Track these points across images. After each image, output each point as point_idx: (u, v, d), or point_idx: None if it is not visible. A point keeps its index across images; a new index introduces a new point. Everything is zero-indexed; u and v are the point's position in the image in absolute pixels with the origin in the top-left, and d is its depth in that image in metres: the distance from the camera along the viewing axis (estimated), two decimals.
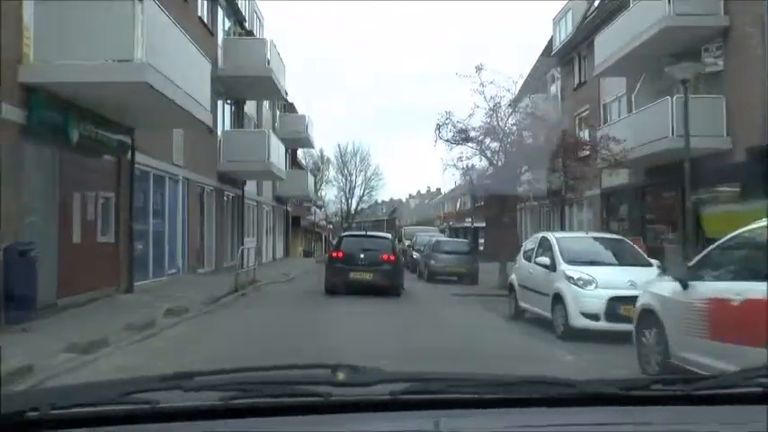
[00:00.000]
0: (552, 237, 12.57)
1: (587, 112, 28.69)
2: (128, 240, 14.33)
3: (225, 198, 24.63)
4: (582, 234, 13.35)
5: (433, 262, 24.31)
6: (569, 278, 10.90)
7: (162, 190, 17.52)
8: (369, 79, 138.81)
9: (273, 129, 36.27)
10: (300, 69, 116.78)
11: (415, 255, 28.97)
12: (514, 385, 1.61)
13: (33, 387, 6.09)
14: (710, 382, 1.67)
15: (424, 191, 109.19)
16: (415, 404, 1.52)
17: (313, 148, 40.26)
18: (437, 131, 21.88)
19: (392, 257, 19.13)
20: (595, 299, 10.42)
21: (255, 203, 30.89)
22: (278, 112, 37.57)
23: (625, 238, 13.44)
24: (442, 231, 40.74)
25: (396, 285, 18.33)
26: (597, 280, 10.64)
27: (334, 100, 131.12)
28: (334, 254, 19.34)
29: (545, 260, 11.82)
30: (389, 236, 23.40)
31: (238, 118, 26.48)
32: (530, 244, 14.03)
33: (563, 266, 11.29)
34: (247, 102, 27.82)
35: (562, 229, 34.09)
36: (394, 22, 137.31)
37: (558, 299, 11.04)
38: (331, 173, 79.82)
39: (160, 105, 12.11)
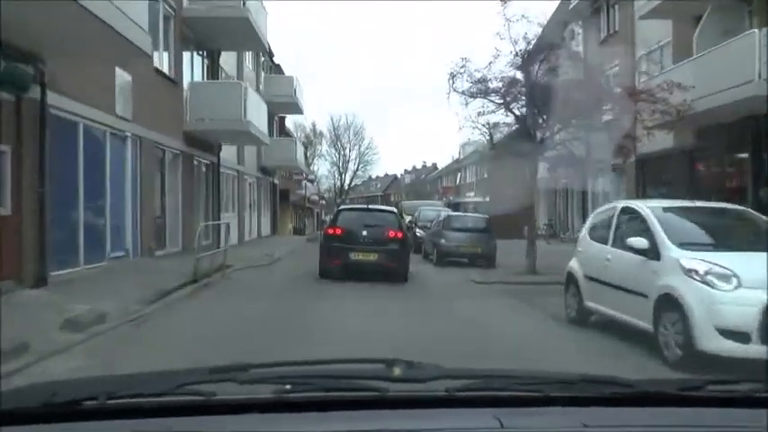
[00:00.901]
0: (645, 207, 8.57)
1: (617, 67, 24.61)
2: (37, 213, 10.32)
3: (195, 165, 20.54)
4: (687, 203, 9.39)
5: (443, 241, 20.34)
6: (690, 271, 6.95)
7: (99, 149, 13.43)
8: (364, 52, 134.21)
9: (258, 91, 32.23)
10: (294, 39, 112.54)
11: (419, 232, 25.04)
12: (575, 384, 1.56)
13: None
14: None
15: (419, 166, 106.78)
16: (473, 401, 1.47)
17: (302, 113, 36.06)
18: (450, 81, 17.86)
19: (400, 235, 16.29)
20: (743, 306, 6.47)
21: (235, 173, 26.82)
22: (263, 73, 33.37)
23: (751, 210, 9.39)
24: (448, 206, 36.46)
25: (404, 268, 15.70)
26: (740, 275, 6.70)
27: (327, 72, 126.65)
28: (331, 230, 16.47)
29: (640, 242, 7.82)
30: (395, 210, 19.44)
31: (213, 73, 22.33)
32: (600, 217, 10.12)
33: (674, 252, 7.31)
34: (225, 55, 23.67)
35: (585, 204, 30.40)
36: None
37: (669, 304, 7.08)
38: (323, 147, 78.00)
39: (69, 16, 8.21)
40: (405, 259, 15.87)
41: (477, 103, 18.19)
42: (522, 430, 1.38)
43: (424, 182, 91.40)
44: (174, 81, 18.06)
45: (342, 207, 19.95)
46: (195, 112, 19.09)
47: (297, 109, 34.62)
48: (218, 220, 22.24)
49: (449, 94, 17.86)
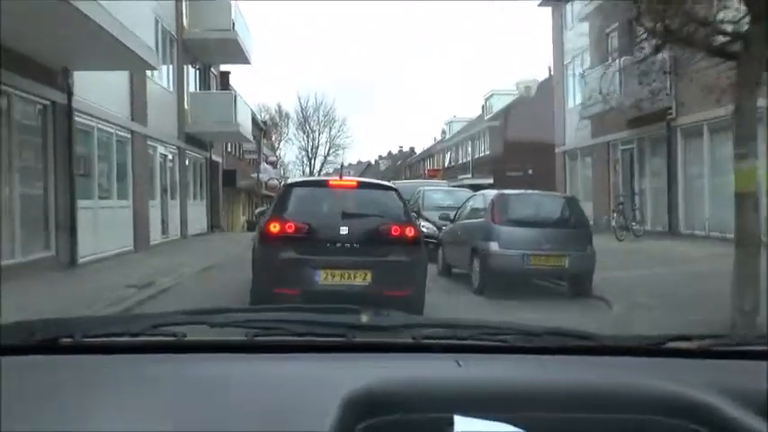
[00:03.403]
0: None
1: None
2: None
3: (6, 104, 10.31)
4: None
5: (495, 245, 10.29)
6: None
7: None
8: (334, 32, 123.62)
9: (180, 28, 21.98)
10: (259, 11, 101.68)
11: (425, 229, 14.76)
12: (539, 336, 1.58)
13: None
14: (726, 340, 1.69)
15: (395, 151, 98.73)
16: (436, 348, 1.49)
17: (248, 62, 25.68)
18: None
19: (411, 232, 8.21)
20: None
21: (128, 135, 16.45)
22: None
23: None
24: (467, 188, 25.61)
25: (419, 299, 7.97)
26: None
27: (294, 52, 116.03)
28: (275, 226, 8.04)
29: None
30: (393, 186, 9.59)
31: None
32: None
33: None
34: None
35: (672, 184, 20.25)
36: None
37: None
38: (291, 130, 71.14)
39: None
40: (420, 282, 8.16)
41: None
42: (480, 372, 1.38)
43: (402, 167, 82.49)
44: None
45: (293, 182, 9.79)
46: None
47: (240, 54, 24.22)
48: (72, 209, 12.06)
49: None
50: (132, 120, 16.73)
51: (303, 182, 9.95)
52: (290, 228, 7.64)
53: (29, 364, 1.35)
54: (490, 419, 1.17)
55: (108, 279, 10.73)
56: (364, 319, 1.59)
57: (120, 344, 1.44)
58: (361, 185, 8.78)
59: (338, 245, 7.53)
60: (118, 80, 15.58)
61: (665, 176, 19.47)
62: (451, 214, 12.88)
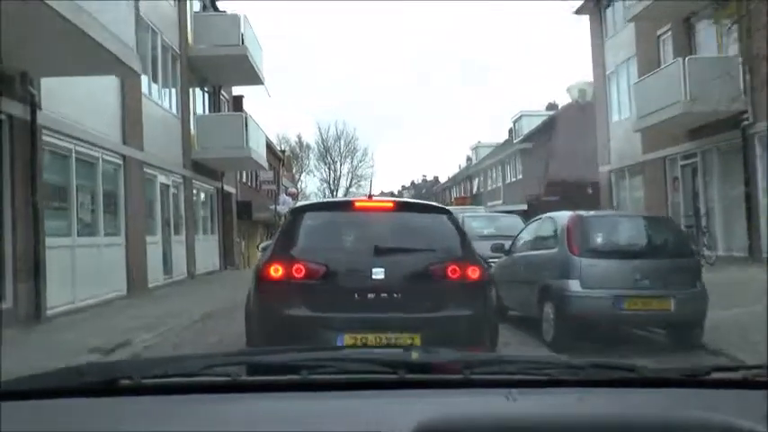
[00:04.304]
0: None
1: None
2: None
3: None
4: None
5: (575, 285, 7.74)
6: None
7: None
8: (354, 63, 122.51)
9: (184, 43, 19.93)
10: (278, 43, 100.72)
11: None
12: (583, 369, 1.59)
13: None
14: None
15: (418, 181, 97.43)
16: (486, 384, 1.51)
17: (261, 83, 23.52)
18: None
19: (475, 274, 5.58)
20: None
21: (116, 161, 14.14)
22: (191, 7, 20.89)
23: None
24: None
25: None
26: None
27: (314, 82, 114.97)
28: (276, 270, 5.33)
29: None
30: (445, 208, 6.99)
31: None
32: None
33: None
34: None
35: (751, 201, 17.39)
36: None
37: None
38: (311, 161, 69.98)
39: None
40: (490, 345, 5.74)
41: None
42: (531, 405, 1.39)
43: (427, 197, 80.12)
44: None
45: (306, 204, 7.29)
46: None
47: (249, 72, 21.99)
48: (37, 249, 9.73)
49: None
50: (124, 143, 14.44)
51: (319, 204, 7.34)
52: (300, 271, 5.23)
53: (87, 407, 1.35)
54: None
55: (72, 338, 8.29)
56: (414, 356, 1.62)
57: (177, 384, 1.44)
58: (401, 207, 6.28)
59: (370, 295, 5.07)
60: (106, 98, 13.34)
61: (742, 193, 16.75)
62: (506, 244, 10.32)
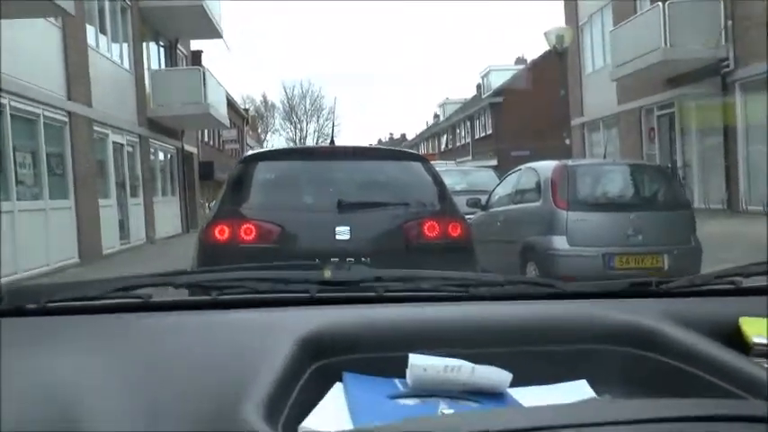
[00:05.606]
0: None
1: None
2: None
3: None
4: None
5: (561, 242, 7.08)
6: None
7: None
8: (321, 17, 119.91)
9: None
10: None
11: None
12: (502, 285, 1.57)
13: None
14: (685, 281, 1.60)
15: (385, 139, 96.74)
16: (399, 301, 1.48)
17: (220, 36, 22.30)
18: None
19: (456, 231, 4.79)
20: None
21: (61, 118, 13.08)
22: None
23: None
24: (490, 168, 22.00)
25: None
26: None
27: (279, 38, 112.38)
28: (221, 231, 4.43)
29: None
30: (419, 155, 6.19)
31: None
32: None
33: None
34: None
35: (729, 152, 16.69)
36: None
37: None
38: (277, 120, 69.58)
39: None
40: None
41: None
42: (436, 315, 1.36)
43: None
44: None
45: (256, 153, 6.34)
46: None
47: (207, 25, 20.77)
48: None
49: None
50: (69, 99, 13.35)
51: (273, 152, 6.14)
52: (250, 232, 4.40)
53: None
54: (442, 356, 1.14)
55: None
56: (327, 274, 1.57)
57: (84, 307, 1.43)
58: (368, 154, 5.42)
59: (333, 260, 4.28)
60: (45, 49, 12.23)
61: (721, 144, 16.21)
62: (482, 199, 9.58)
